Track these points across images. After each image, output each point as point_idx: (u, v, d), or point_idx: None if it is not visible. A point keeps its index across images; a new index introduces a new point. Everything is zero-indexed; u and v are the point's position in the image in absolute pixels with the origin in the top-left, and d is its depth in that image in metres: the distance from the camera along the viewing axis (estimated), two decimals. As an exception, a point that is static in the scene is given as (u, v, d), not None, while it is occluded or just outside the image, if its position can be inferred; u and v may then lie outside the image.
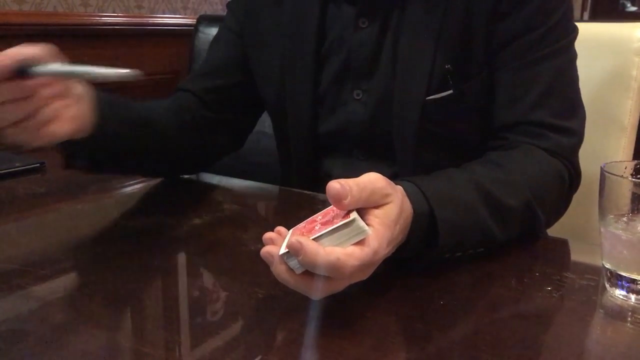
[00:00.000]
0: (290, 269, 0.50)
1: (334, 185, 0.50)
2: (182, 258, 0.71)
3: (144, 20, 1.85)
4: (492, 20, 0.80)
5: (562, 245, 0.79)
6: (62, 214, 0.86)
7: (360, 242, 0.50)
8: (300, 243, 0.48)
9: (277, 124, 0.98)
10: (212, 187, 1.02)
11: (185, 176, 1.00)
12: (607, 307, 0.58)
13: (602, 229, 0.59)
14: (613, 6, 4.26)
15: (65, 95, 0.67)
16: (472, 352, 0.49)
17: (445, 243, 0.61)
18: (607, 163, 0.59)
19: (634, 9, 4.26)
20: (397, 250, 0.58)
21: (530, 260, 0.69)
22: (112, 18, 1.76)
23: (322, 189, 0.64)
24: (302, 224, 0.57)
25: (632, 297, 0.58)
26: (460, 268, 0.65)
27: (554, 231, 0.97)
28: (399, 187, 0.58)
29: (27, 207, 0.88)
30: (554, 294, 0.60)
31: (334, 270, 0.49)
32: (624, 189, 0.59)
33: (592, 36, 1.13)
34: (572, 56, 0.84)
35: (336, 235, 0.50)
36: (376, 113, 0.87)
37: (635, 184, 0.58)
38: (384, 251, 0.53)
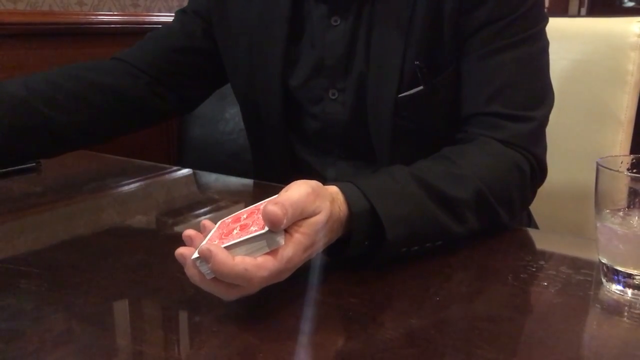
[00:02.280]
0: (202, 273, 0.51)
1: (273, 210, 0.51)
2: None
3: (140, 18, 1.84)
4: (459, 11, 0.80)
5: (558, 240, 0.80)
6: (58, 213, 0.86)
7: (273, 252, 0.51)
8: (210, 251, 0.49)
9: (247, 115, 1.00)
10: (209, 185, 1.02)
11: (181, 173, 1.01)
12: (603, 301, 0.58)
13: (598, 224, 0.59)
14: (611, 1, 4.26)
15: None
16: (468, 348, 0.49)
17: (394, 236, 0.61)
18: (602, 158, 0.59)
19: (631, 4, 4.26)
20: (342, 250, 0.61)
21: (526, 256, 0.69)
22: (108, 17, 1.75)
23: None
24: (229, 218, 0.58)
25: (629, 291, 0.57)
26: (456, 264, 0.65)
27: (550, 226, 0.97)
28: (330, 193, 0.59)
29: (23, 206, 0.88)
30: (551, 289, 0.59)
31: (242, 280, 0.50)
32: (620, 183, 0.58)
33: (588, 31, 1.13)
34: (542, 45, 0.82)
35: (248, 245, 0.51)
36: (354, 112, 0.87)
37: (632, 179, 0.58)
38: (300, 257, 0.54)
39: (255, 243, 0.51)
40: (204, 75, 1.01)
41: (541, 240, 0.76)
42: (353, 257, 0.62)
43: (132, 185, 0.98)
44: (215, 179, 1.01)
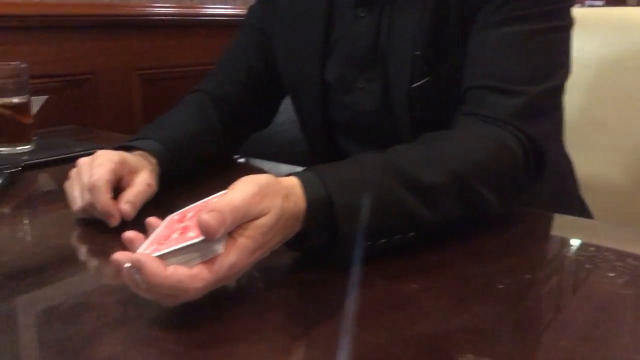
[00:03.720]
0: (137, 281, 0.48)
1: (206, 220, 0.48)
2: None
3: (195, 10, 1.87)
4: None
5: (621, 233, 0.78)
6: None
7: (211, 260, 0.49)
8: (140, 262, 0.47)
9: (296, 108, 1.02)
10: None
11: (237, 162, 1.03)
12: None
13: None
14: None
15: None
16: (536, 337, 0.49)
17: (349, 227, 0.57)
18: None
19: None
20: (299, 241, 0.58)
21: (589, 247, 0.67)
22: (163, 9, 1.79)
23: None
24: (177, 215, 0.55)
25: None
26: (519, 253, 0.64)
27: (607, 219, 0.95)
28: (284, 187, 0.55)
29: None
30: (618, 280, 0.58)
31: (176, 291, 0.48)
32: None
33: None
34: (558, 24, 0.77)
35: (183, 254, 0.48)
36: (381, 103, 0.87)
37: None
38: (246, 262, 0.51)
39: (190, 253, 0.48)
40: (275, 86, 1.02)
41: (604, 232, 0.74)
42: (319, 250, 0.59)
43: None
44: (268, 168, 1.03)
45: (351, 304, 0.53)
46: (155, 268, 0.47)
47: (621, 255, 0.65)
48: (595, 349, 0.47)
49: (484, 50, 0.76)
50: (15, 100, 1.04)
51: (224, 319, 0.51)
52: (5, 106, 1.03)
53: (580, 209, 0.97)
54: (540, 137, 0.73)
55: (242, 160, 1.06)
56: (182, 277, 0.48)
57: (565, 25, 0.78)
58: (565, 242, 0.69)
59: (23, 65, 1.06)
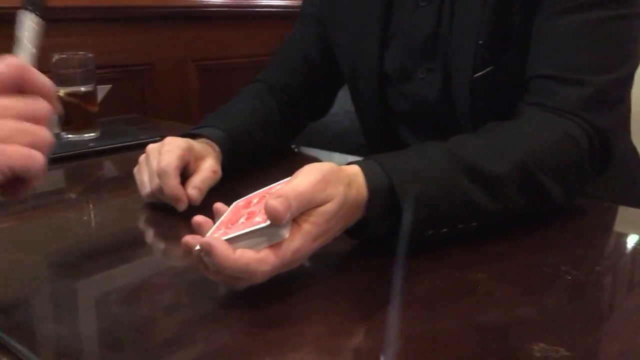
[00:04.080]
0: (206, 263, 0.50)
1: (273, 205, 0.49)
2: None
3: (250, 2, 1.89)
4: None
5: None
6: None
7: (277, 244, 0.50)
8: (211, 245, 0.48)
9: (354, 98, 1.02)
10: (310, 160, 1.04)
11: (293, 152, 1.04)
12: None
13: None
14: None
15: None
16: (605, 325, 0.48)
17: (413, 216, 0.57)
18: None
19: None
20: (360, 230, 0.58)
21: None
22: (220, 0, 1.81)
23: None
24: (242, 201, 0.56)
25: None
26: (583, 243, 0.63)
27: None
28: (347, 175, 0.56)
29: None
30: (692, 275, 0.57)
31: (243, 274, 0.49)
32: None
33: None
34: (628, 12, 0.74)
35: (250, 239, 0.49)
36: (441, 92, 0.87)
37: None
38: (309, 247, 0.52)
39: (257, 237, 0.49)
40: (332, 77, 1.03)
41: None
42: (381, 238, 0.59)
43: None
44: (322, 157, 1.04)
45: (416, 290, 0.54)
46: (224, 251, 0.48)
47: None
48: (671, 342, 0.46)
49: (549, 38, 0.75)
50: (83, 89, 1.08)
51: (290, 302, 0.52)
52: (73, 95, 1.07)
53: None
54: (606, 128, 0.71)
55: (297, 149, 1.07)
56: (249, 260, 0.49)
57: (635, 13, 0.76)
58: (632, 235, 0.67)
59: (90, 55, 1.09)
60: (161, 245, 0.71)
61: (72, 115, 1.08)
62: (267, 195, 0.51)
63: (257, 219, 0.51)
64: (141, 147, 1.05)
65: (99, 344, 0.48)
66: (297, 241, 0.51)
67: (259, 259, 0.49)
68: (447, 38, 0.84)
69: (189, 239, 0.51)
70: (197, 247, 0.49)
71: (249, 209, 0.54)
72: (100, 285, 0.58)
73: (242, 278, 0.50)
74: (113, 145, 1.06)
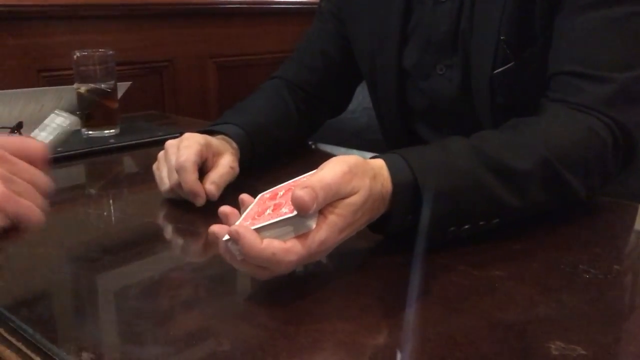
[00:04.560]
0: (232, 253, 0.50)
1: (300, 195, 0.49)
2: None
3: (270, -2, 1.90)
4: None
5: None
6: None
7: (303, 235, 0.50)
8: (239, 234, 0.48)
9: (372, 95, 1.01)
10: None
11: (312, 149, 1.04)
12: None
13: None
14: None
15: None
16: (623, 324, 0.48)
17: (434, 212, 0.57)
18: None
19: None
20: (382, 224, 0.58)
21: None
22: (239, -3, 1.82)
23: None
24: (268, 193, 0.57)
25: None
26: (602, 243, 0.63)
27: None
28: (372, 168, 0.56)
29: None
30: None
31: (270, 263, 0.49)
32: None
33: None
34: None
35: (277, 228, 0.50)
36: (460, 89, 0.86)
37: None
38: (335, 239, 0.52)
39: (284, 227, 0.50)
40: (350, 73, 1.03)
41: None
42: (402, 233, 0.59)
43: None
44: (331, 149, 1.06)
45: (434, 288, 0.54)
46: (252, 239, 0.49)
47: None
48: (691, 343, 0.46)
49: (572, 34, 0.74)
50: (103, 86, 1.09)
51: (309, 298, 0.52)
52: (94, 91, 1.08)
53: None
54: (631, 125, 0.70)
55: (314, 146, 1.08)
56: (276, 250, 0.49)
57: None
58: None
59: (110, 52, 1.10)
60: (180, 240, 0.71)
61: (92, 111, 1.09)
62: (293, 187, 0.51)
63: (284, 209, 0.51)
64: (160, 144, 1.06)
65: (119, 336, 0.49)
66: (323, 232, 0.51)
67: (285, 249, 0.49)
68: (467, 34, 0.84)
69: (215, 228, 0.52)
70: (225, 237, 0.50)
71: (276, 201, 0.54)
72: (121, 279, 0.59)
73: (267, 268, 0.50)
74: (133, 142, 1.07)
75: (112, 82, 1.10)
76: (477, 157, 0.62)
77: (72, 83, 1.10)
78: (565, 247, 0.63)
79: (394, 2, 0.91)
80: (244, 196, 0.58)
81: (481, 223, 0.61)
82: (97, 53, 1.09)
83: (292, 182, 0.56)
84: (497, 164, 0.62)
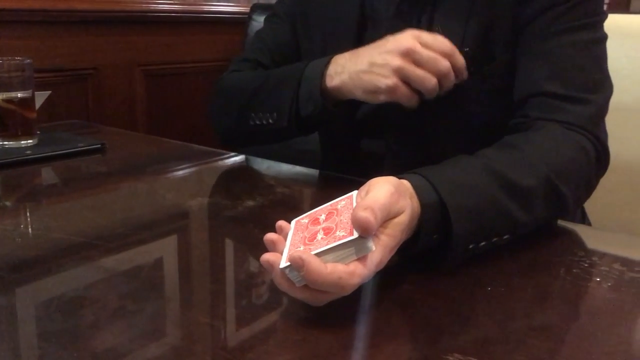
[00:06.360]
0: (291, 281, 0.50)
1: (365, 217, 0.49)
2: (240, 235, 0.74)
3: (199, 7, 1.88)
4: (517, 2, 0.80)
5: (611, 239, 0.79)
6: (123, 193, 0.90)
7: (362, 257, 0.50)
8: (302, 260, 0.48)
9: None
10: (263, 172, 1.04)
11: (236, 160, 1.04)
12: (657, 299, 0.58)
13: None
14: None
15: None
16: (520, 337, 0.51)
17: (461, 230, 0.59)
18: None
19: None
20: (410, 245, 0.58)
21: (579, 252, 0.69)
22: (167, 5, 1.80)
23: (362, 169, 0.67)
24: (304, 218, 0.56)
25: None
26: (507, 257, 0.66)
27: (603, 225, 0.96)
28: (408, 187, 0.58)
29: (90, 185, 0.93)
30: (603, 285, 0.60)
31: (335, 288, 0.49)
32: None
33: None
34: (600, 36, 0.81)
35: (339, 251, 0.50)
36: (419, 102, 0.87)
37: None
38: (386, 260, 0.53)
39: (345, 250, 0.49)
40: None
41: (594, 237, 0.76)
42: (422, 257, 0.60)
43: (190, 170, 1.01)
44: (268, 166, 1.04)
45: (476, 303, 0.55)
46: (318, 265, 0.48)
47: (609, 261, 0.67)
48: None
49: (549, 58, 0.78)
50: (20, 95, 1.06)
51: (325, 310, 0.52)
52: (10, 101, 1.05)
53: (581, 217, 0.98)
54: (605, 141, 0.78)
55: (239, 158, 1.07)
56: (342, 274, 0.49)
57: (604, 38, 0.82)
58: (554, 247, 0.71)
59: (27, 61, 1.07)
60: (94, 256, 0.70)
61: (8, 121, 1.06)
62: (335, 211, 0.52)
63: (340, 233, 0.51)
64: (80, 155, 1.05)
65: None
66: (378, 253, 0.51)
67: (350, 272, 0.49)
68: None
69: (269, 257, 0.51)
70: (283, 265, 0.49)
71: (322, 225, 0.54)
72: (25, 297, 0.57)
73: (328, 292, 0.50)
74: (51, 153, 1.04)
75: (30, 91, 1.07)
76: (491, 175, 0.64)
77: (-13, 91, 1.06)
78: (470, 262, 0.65)
79: (347, 18, 0.91)
80: (281, 222, 0.57)
81: (494, 240, 0.63)
82: (14, 61, 1.06)
83: (330, 205, 0.56)
84: (507, 181, 0.64)
